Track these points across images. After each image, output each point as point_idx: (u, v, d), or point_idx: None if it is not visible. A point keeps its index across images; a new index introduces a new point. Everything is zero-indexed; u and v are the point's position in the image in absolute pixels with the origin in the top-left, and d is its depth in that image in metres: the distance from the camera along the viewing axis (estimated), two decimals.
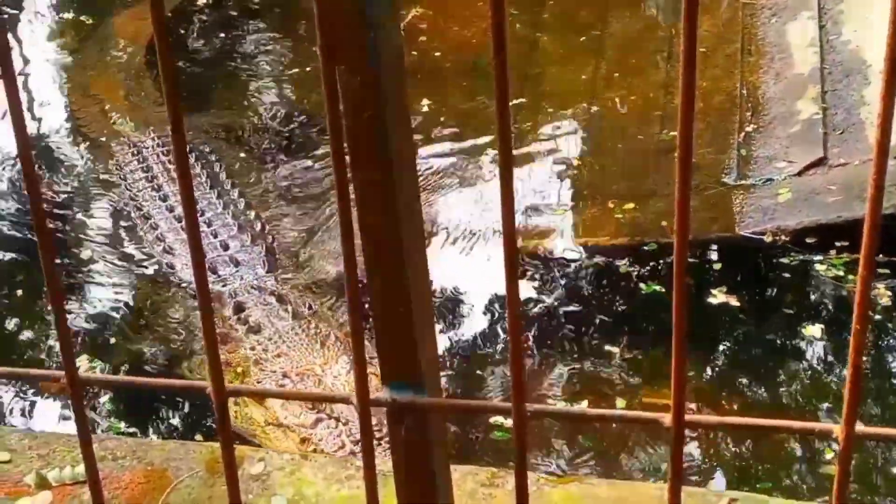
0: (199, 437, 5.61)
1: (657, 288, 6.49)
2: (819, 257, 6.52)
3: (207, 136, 8.00)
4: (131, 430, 5.86)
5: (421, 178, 7.25)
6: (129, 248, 7.14)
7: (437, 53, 8.94)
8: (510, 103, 1.27)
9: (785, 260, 6.56)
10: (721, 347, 6.19)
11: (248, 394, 1.66)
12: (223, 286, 6.51)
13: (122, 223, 7.34)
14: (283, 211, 7.41)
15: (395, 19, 1.55)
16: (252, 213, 7.16)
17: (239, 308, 6.30)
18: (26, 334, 6.68)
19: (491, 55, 1.26)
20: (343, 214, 1.41)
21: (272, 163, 7.92)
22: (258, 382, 5.66)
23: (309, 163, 7.84)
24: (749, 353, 6.16)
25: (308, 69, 8.85)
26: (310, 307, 6.30)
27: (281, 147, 8.10)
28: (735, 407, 5.79)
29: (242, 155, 7.99)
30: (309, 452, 4.78)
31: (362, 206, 1.59)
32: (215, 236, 6.85)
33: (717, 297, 6.39)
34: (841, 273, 6.41)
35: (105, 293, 6.88)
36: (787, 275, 6.51)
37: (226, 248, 6.78)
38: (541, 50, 8.91)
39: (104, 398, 6.18)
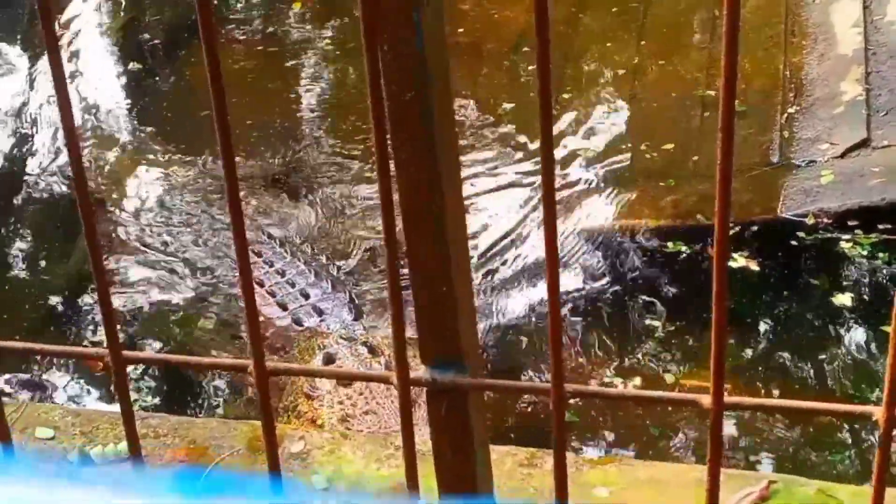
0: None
1: (698, 269, 6.47)
2: (849, 237, 6.49)
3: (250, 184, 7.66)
4: (173, 408, 5.92)
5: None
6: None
7: (479, 32, 8.93)
8: (551, 85, 1.27)
9: (826, 242, 6.53)
10: (756, 324, 6.17)
11: (289, 372, 1.68)
12: (309, 338, 6.17)
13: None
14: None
15: None
16: (323, 258, 6.89)
17: (329, 359, 5.86)
18: (72, 312, 6.76)
19: (533, 35, 1.26)
20: (384, 194, 1.42)
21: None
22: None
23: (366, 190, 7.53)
24: (785, 332, 6.13)
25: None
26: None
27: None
28: (772, 384, 5.77)
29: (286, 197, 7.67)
30: (349, 431, 4.79)
31: (403, 187, 1.59)
32: (293, 286, 6.52)
33: (754, 278, 6.37)
34: (869, 252, 6.39)
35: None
36: (827, 256, 6.48)
37: (306, 297, 6.44)
38: (582, 30, 8.87)
39: (147, 376, 6.25)
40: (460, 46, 8.55)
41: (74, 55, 9.23)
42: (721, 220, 1.32)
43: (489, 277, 6.68)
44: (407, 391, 1.58)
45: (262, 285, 6.43)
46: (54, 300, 6.83)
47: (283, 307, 6.38)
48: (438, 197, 1.60)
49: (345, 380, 5.57)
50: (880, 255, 6.38)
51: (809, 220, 6.64)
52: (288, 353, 6.06)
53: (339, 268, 6.89)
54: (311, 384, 5.69)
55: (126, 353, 1.64)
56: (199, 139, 7.84)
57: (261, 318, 6.20)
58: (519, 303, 6.51)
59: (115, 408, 4.69)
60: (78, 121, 8.16)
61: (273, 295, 6.45)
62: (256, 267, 6.56)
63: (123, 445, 4.20)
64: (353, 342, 5.99)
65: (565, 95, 8.10)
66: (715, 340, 1.35)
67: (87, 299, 6.74)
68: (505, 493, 3.93)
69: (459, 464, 1.82)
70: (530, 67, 8.34)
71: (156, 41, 9.44)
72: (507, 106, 8.15)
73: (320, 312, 6.35)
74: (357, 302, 6.46)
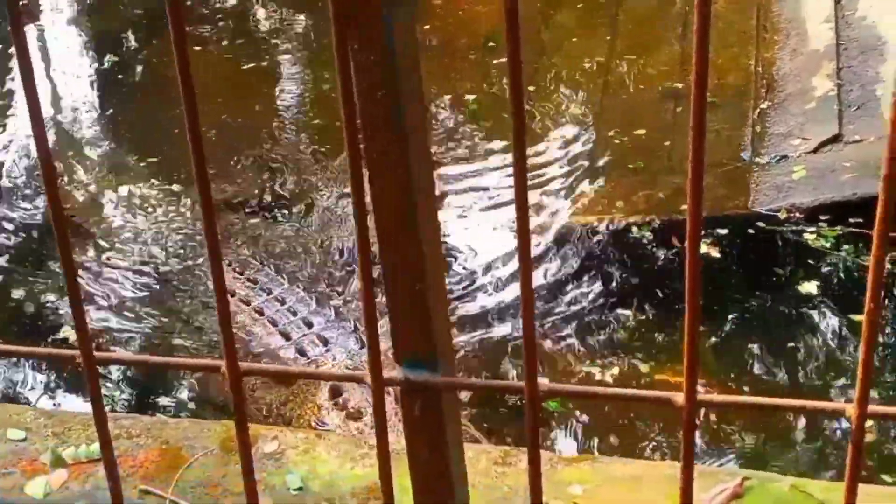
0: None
1: (671, 265, 6.49)
2: (818, 230, 6.52)
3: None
4: (146, 408, 5.90)
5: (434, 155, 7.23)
6: None
7: (451, 30, 8.93)
8: (523, 80, 1.26)
9: (798, 236, 6.55)
10: (728, 319, 6.18)
11: (262, 373, 1.67)
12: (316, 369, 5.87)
13: None
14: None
15: None
16: (322, 285, 6.67)
17: (335, 392, 5.58)
18: (48, 313, 6.72)
19: (504, 31, 1.26)
20: (356, 194, 1.41)
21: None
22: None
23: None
24: (756, 324, 6.15)
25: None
26: None
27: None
28: (743, 376, 5.79)
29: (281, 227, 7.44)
30: (323, 431, 4.78)
31: (375, 186, 1.58)
32: (294, 314, 6.29)
33: (725, 272, 6.39)
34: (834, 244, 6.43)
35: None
36: (798, 250, 6.50)
37: (310, 325, 6.20)
38: (554, 25, 8.89)
39: (120, 377, 6.23)
40: (431, 43, 8.55)
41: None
42: (693, 216, 1.32)
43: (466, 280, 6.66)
44: (381, 391, 1.57)
45: (262, 314, 6.31)
46: (29, 304, 6.79)
47: (286, 337, 6.17)
48: (410, 196, 1.60)
49: (319, 380, 5.54)
50: (845, 247, 6.41)
51: (782, 215, 6.66)
52: (290, 385, 5.84)
53: (339, 292, 6.65)
54: (318, 419, 5.57)
55: (98, 353, 1.63)
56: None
57: (262, 349, 6.15)
58: (492, 302, 6.51)
59: (88, 408, 4.67)
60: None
61: (275, 324, 6.24)
62: (255, 294, 6.45)
63: (96, 447, 4.18)
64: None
65: (536, 89, 8.10)
66: (688, 340, 1.35)
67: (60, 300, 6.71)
68: (479, 492, 3.93)
69: (433, 462, 1.82)
70: (502, 62, 8.35)
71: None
72: (479, 102, 8.15)
73: (325, 342, 6.09)
74: (361, 328, 6.11)
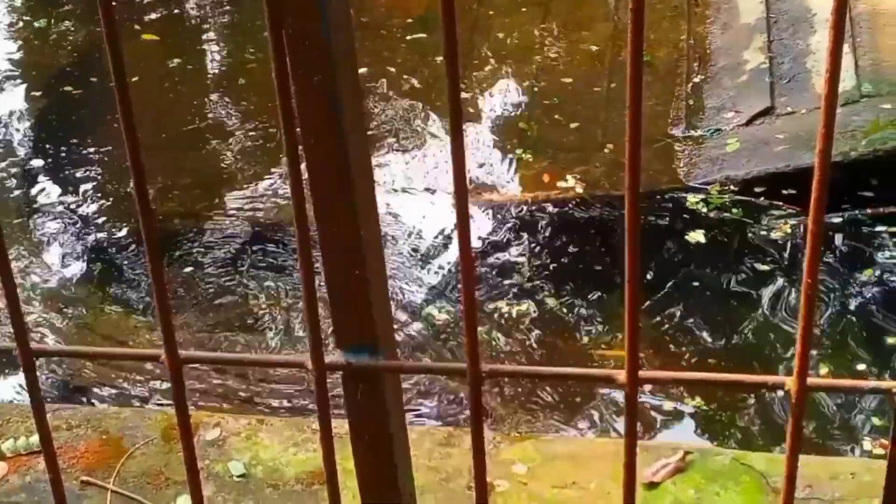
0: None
1: (610, 241, 6.52)
2: (755, 203, 6.58)
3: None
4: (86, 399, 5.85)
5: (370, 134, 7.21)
6: None
7: (383, 9, 8.90)
8: (458, 57, 1.26)
9: (731, 209, 6.60)
10: (667, 292, 6.22)
11: (202, 360, 1.67)
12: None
13: None
14: None
15: None
16: None
17: None
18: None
19: (438, 10, 1.25)
20: (294, 180, 1.40)
21: None
22: None
23: None
24: (693, 298, 6.18)
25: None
26: None
27: None
28: (685, 349, 5.83)
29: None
30: (265, 416, 4.76)
31: (313, 171, 1.58)
32: None
33: (663, 247, 6.43)
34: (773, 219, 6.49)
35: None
36: (732, 224, 6.55)
37: None
38: (487, 3, 8.88)
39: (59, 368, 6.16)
40: (364, 24, 8.52)
41: None
42: (631, 192, 1.32)
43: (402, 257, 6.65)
44: (322, 376, 1.57)
45: None
46: None
47: None
48: (347, 178, 1.59)
49: (260, 367, 5.52)
50: (791, 221, 6.46)
51: (716, 189, 6.71)
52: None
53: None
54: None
55: (35, 346, 1.61)
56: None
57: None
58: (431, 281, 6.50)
59: (26, 399, 4.63)
60: None
61: None
62: None
63: (35, 438, 4.14)
64: None
65: (469, 68, 8.10)
66: (628, 317, 1.35)
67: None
68: (424, 473, 3.94)
69: (377, 446, 1.82)
70: (434, 40, 8.34)
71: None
72: (414, 82, 8.14)
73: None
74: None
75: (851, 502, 3.82)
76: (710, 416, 5.47)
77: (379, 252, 1.71)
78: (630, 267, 1.33)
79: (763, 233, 6.47)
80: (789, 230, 6.43)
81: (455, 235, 6.07)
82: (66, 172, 7.55)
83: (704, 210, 6.64)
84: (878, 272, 6.14)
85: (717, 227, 6.57)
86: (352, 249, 1.64)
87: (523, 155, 7.35)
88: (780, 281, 6.18)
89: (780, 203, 6.56)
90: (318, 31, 1.44)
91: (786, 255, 6.34)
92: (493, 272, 6.44)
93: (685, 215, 6.64)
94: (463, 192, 1.34)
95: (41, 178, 7.53)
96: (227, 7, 9.35)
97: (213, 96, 8.36)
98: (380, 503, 1.86)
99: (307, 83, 1.49)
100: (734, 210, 6.60)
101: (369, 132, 7.34)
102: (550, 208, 6.83)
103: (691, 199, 6.70)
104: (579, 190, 6.91)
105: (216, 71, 8.82)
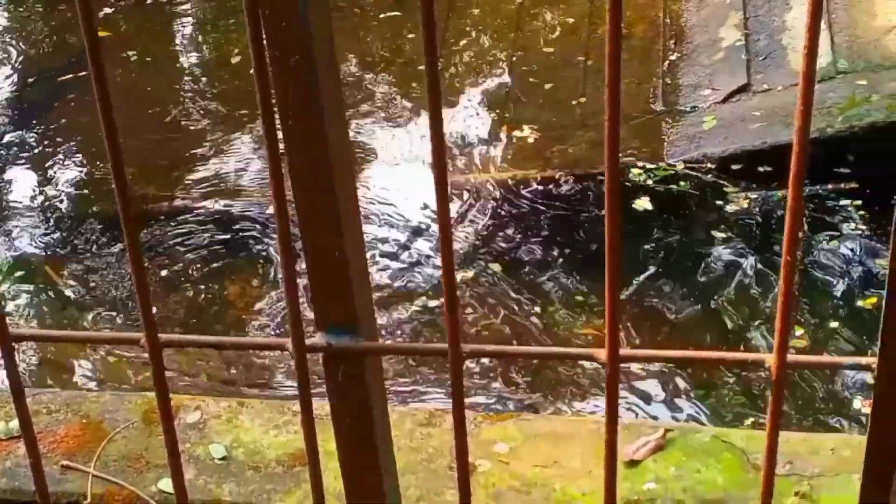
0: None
1: (588, 220, 6.52)
2: (731, 180, 6.60)
3: None
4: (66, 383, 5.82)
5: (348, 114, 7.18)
6: None
7: None
8: (437, 40, 1.26)
9: (708, 186, 6.62)
10: (646, 267, 6.24)
11: (182, 343, 1.67)
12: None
13: None
14: None
15: None
16: None
17: None
18: None
19: None
20: (272, 161, 1.40)
21: None
22: None
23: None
24: (673, 272, 6.20)
25: None
26: None
27: None
28: (665, 330, 5.85)
29: None
30: (246, 399, 4.75)
31: (291, 153, 1.57)
32: None
33: (641, 225, 6.44)
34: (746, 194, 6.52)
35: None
36: (710, 200, 6.56)
37: None
38: None
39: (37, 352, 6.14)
40: (338, 6, 8.49)
41: None
42: (611, 170, 1.32)
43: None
44: (303, 357, 1.57)
45: None
46: None
47: None
48: (326, 159, 1.59)
49: (241, 349, 5.51)
50: (754, 196, 6.49)
51: (693, 166, 6.72)
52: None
53: None
54: None
55: (13, 331, 1.60)
56: None
57: None
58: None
59: (4, 385, 4.61)
60: None
61: None
62: None
63: (15, 423, 4.13)
64: None
65: (446, 47, 8.08)
66: (609, 295, 1.35)
67: None
68: (405, 454, 3.94)
69: (358, 428, 1.82)
70: (411, 20, 8.32)
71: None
72: (393, 60, 8.12)
73: None
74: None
75: (831, 477, 3.83)
76: (691, 392, 5.49)
77: (358, 232, 1.70)
78: (609, 246, 1.34)
79: (738, 206, 6.49)
80: (746, 205, 6.46)
81: (434, 213, 6.08)
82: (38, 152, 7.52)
83: (650, 183, 6.66)
84: (845, 244, 6.18)
85: (694, 202, 6.59)
86: (330, 229, 1.63)
87: (499, 133, 7.34)
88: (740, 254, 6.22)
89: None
90: (295, 10, 1.44)
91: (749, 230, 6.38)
92: (468, 251, 6.44)
93: (663, 194, 6.66)
94: (442, 174, 1.34)
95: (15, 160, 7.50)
96: None
97: (187, 78, 8.33)
98: (361, 484, 1.86)
99: (284, 64, 1.48)
100: (713, 186, 6.61)
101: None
102: (527, 186, 6.82)
103: (668, 175, 6.72)
104: (558, 168, 6.91)
105: (193, 54, 8.78)
